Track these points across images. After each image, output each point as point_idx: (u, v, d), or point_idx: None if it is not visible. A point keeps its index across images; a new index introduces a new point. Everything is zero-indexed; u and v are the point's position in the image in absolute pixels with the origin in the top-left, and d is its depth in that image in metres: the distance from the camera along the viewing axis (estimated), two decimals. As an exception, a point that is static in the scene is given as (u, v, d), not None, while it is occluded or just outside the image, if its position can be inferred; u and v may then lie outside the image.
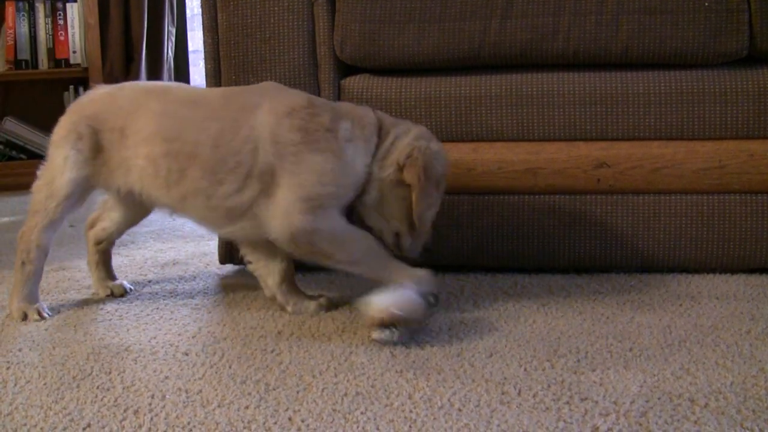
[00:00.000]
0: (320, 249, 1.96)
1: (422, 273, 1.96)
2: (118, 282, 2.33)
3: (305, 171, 1.94)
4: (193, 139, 2.00)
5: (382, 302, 1.82)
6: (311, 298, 2.14)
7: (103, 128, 2.09)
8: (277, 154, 1.95)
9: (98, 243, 2.32)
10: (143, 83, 2.24)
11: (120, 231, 2.33)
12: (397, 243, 2.07)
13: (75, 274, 2.56)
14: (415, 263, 2.00)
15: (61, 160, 2.09)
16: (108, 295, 2.29)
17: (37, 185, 2.13)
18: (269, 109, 1.99)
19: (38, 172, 2.14)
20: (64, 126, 2.13)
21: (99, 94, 2.17)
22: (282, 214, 1.94)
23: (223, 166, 1.97)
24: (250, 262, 2.17)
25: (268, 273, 2.14)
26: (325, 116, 1.99)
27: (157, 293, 2.31)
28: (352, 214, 2.10)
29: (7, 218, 3.50)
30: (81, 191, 2.12)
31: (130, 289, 2.34)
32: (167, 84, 2.25)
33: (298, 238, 1.94)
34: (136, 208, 2.26)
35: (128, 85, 2.22)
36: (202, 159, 1.99)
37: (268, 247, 2.10)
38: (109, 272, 2.34)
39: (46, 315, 2.09)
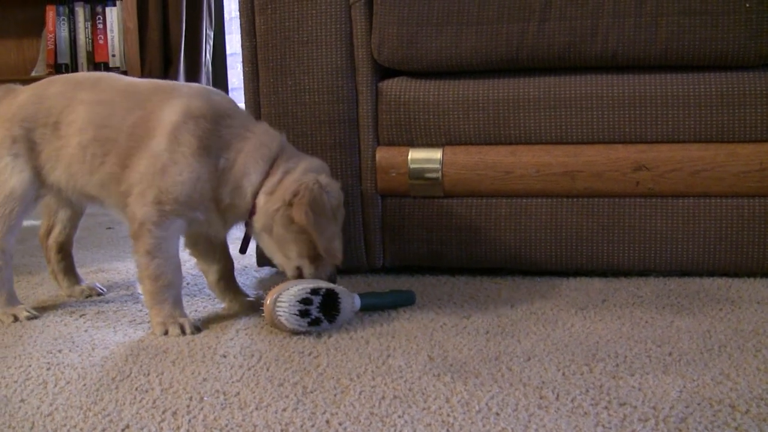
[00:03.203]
0: (137, 248, 1.99)
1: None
2: (90, 284, 2.40)
3: (175, 175, 1.96)
4: (117, 126, 2.03)
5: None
6: (248, 296, 2.20)
7: (36, 125, 2.10)
8: (168, 147, 1.97)
9: (60, 249, 2.33)
10: (72, 75, 2.24)
11: (74, 227, 2.35)
12: (299, 276, 2.05)
13: (113, 276, 2.58)
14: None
15: (1, 169, 2.10)
16: (87, 297, 2.35)
17: None
18: (182, 104, 2.01)
19: None
20: None
21: (26, 95, 2.15)
22: (137, 201, 1.98)
23: (132, 152, 2.00)
24: (193, 256, 2.23)
25: (208, 270, 2.21)
26: (218, 140, 2.00)
27: (195, 295, 2.32)
28: (247, 240, 2.17)
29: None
30: (31, 192, 2.13)
31: (103, 290, 2.39)
32: (98, 74, 2.24)
33: (133, 222, 1.98)
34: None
35: (57, 80, 2.20)
36: (119, 146, 2.02)
37: (207, 244, 2.17)
38: (77, 276, 2.39)
39: (35, 313, 2.14)
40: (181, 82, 2.15)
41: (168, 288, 1.99)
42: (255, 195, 2.02)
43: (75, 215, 2.33)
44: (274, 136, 2.08)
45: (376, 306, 2.10)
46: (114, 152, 2.02)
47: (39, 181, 2.13)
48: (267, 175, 2.02)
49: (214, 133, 2.00)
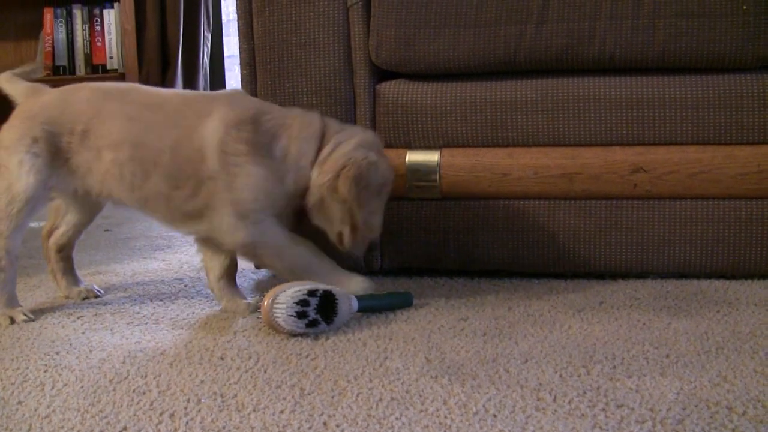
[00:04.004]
0: (263, 260, 2.14)
1: (361, 281, 2.13)
2: (88, 286, 2.39)
3: (242, 186, 2.03)
4: (156, 146, 2.07)
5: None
6: (244, 298, 2.21)
7: (62, 131, 2.11)
8: (222, 163, 2.03)
9: (60, 250, 2.33)
10: (99, 84, 2.25)
11: (79, 232, 2.35)
12: (340, 242, 2.16)
13: (111, 278, 2.58)
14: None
15: (16, 165, 2.10)
16: (84, 299, 2.34)
17: None
18: (219, 118, 2.06)
19: None
20: (15, 130, 2.12)
21: (51, 98, 2.16)
22: (226, 229, 2.05)
23: (182, 173, 2.05)
24: (200, 253, 2.25)
25: (211, 267, 2.22)
26: (265, 136, 2.07)
27: (193, 297, 2.32)
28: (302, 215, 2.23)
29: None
30: (42, 194, 2.13)
31: (101, 293, 2.39)
32: (125, 85, 2.27)
33: (243, 250, 2.09)
34: (90, 207, 2.30)
35: (84, 87, 2.21)
36: (163, 165, 2.06)
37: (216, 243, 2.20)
38: (76, 278, 2.38)
39: (31, 317, 2.13)
40: (208, 92, 2.22)
41: (315, 262, 2.11)
42: (303, 174, 2.11)
43: (82, 222, 2.34)
44: (312, 114, 2.17)
45: (374, 308, 2.10)
46: (158, 172, 2.06)
47: (54, 185, 2.14)
48: (319, 149, 2.11)
49: (259, 132, 2.06)
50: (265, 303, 1.92)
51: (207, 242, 2.18)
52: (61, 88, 2.21)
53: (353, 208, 2.06)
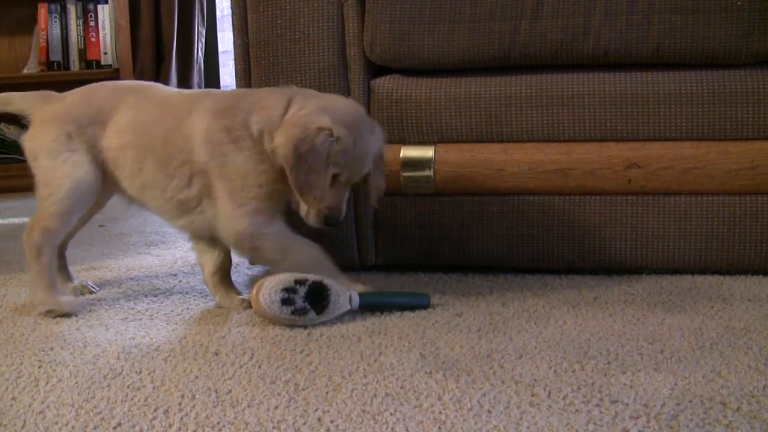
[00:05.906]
0: (263, 255, 2.07)
1: (360, 287, 2.08)
2: (83, 282, 2.39)
3: (232, 174, 2.03)
4: (151, 133, 2.10)
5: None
6: (239, 294, 2.21)
7: (88, 123, 2.14)
8: (209, 154, 2.04)
9: (61, 245, 2.33)
10: (120, 82, 2.31)
11: (79, 228, 2.38)
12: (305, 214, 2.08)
13: (105, 274, 2.58)
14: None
15: (59, 164, 2.12)
16: (78, 295, 2.34)
17: (42, 194, 2.14)
18: (203, 110, 2.08)
19: (39, 186, 2.15)
20: (48, 132, 2.15)
21: (75, 97, 2.21)
22: (224, 218, 2.05)
23: (172, 162, 2.07)
24: (195, 250, 2.26)
25: (205, 262, 2.23)
26: (241, 115, 2.05)
27: (187, 293, 2.32)
28: None
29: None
30: (88, 187, 2.15)
31: (95, 289, 2.39)
32: (144, 83, 2.30)
33: (241, 241, 2.06)
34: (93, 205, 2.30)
35: (106, 85, 2.27)
36: (155, 153, 2.09)
37: (210, 238, 2.19)
38: (69, 274, 2.39)
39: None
40: (207, 89, 2.26)
41: (320, 262, 2.07)
42: None
43: (86, 216, 2.34)
44: (285, 86, 2.16)
45: (379, 305, 2.07)
46: (151, 159, 2.09)
47: (103, 177, 2.17)
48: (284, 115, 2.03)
49: (236, 116, 2.04)
50: (254, 291, 1.95)
51: (201, 237, 2.19)
52: (84, 87, 2.25)
53: (288, 176, 1.95)
